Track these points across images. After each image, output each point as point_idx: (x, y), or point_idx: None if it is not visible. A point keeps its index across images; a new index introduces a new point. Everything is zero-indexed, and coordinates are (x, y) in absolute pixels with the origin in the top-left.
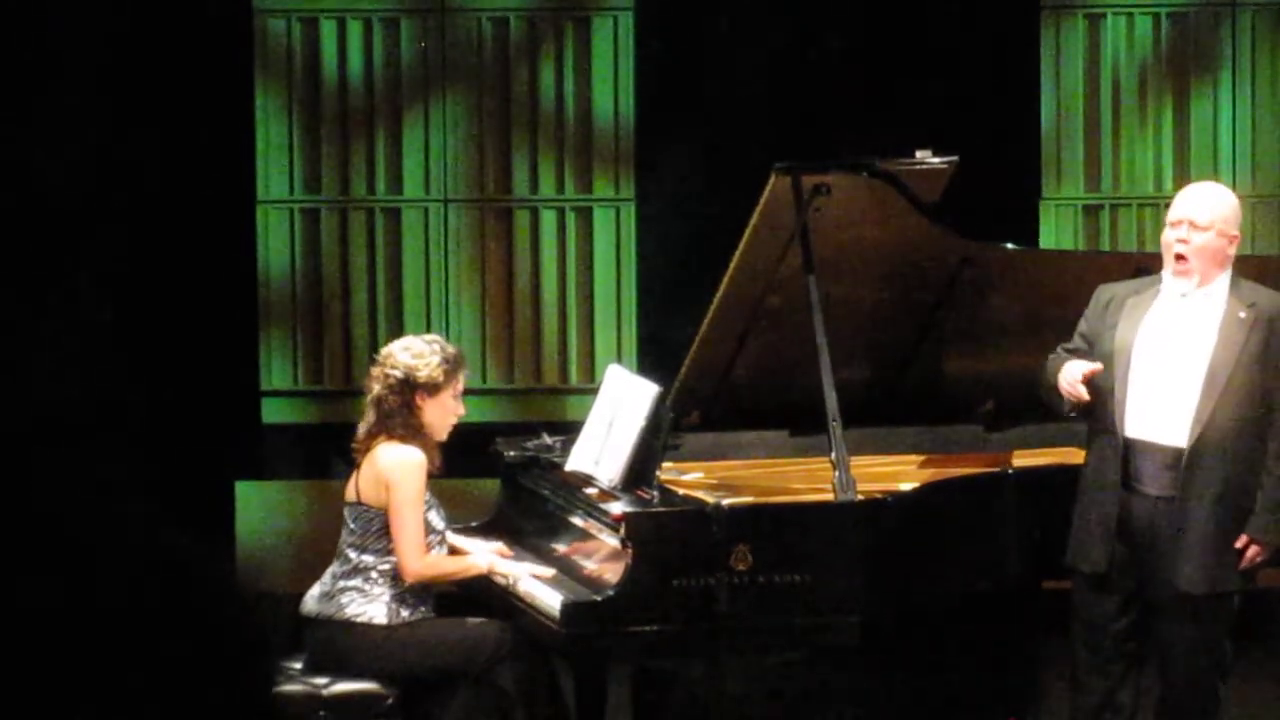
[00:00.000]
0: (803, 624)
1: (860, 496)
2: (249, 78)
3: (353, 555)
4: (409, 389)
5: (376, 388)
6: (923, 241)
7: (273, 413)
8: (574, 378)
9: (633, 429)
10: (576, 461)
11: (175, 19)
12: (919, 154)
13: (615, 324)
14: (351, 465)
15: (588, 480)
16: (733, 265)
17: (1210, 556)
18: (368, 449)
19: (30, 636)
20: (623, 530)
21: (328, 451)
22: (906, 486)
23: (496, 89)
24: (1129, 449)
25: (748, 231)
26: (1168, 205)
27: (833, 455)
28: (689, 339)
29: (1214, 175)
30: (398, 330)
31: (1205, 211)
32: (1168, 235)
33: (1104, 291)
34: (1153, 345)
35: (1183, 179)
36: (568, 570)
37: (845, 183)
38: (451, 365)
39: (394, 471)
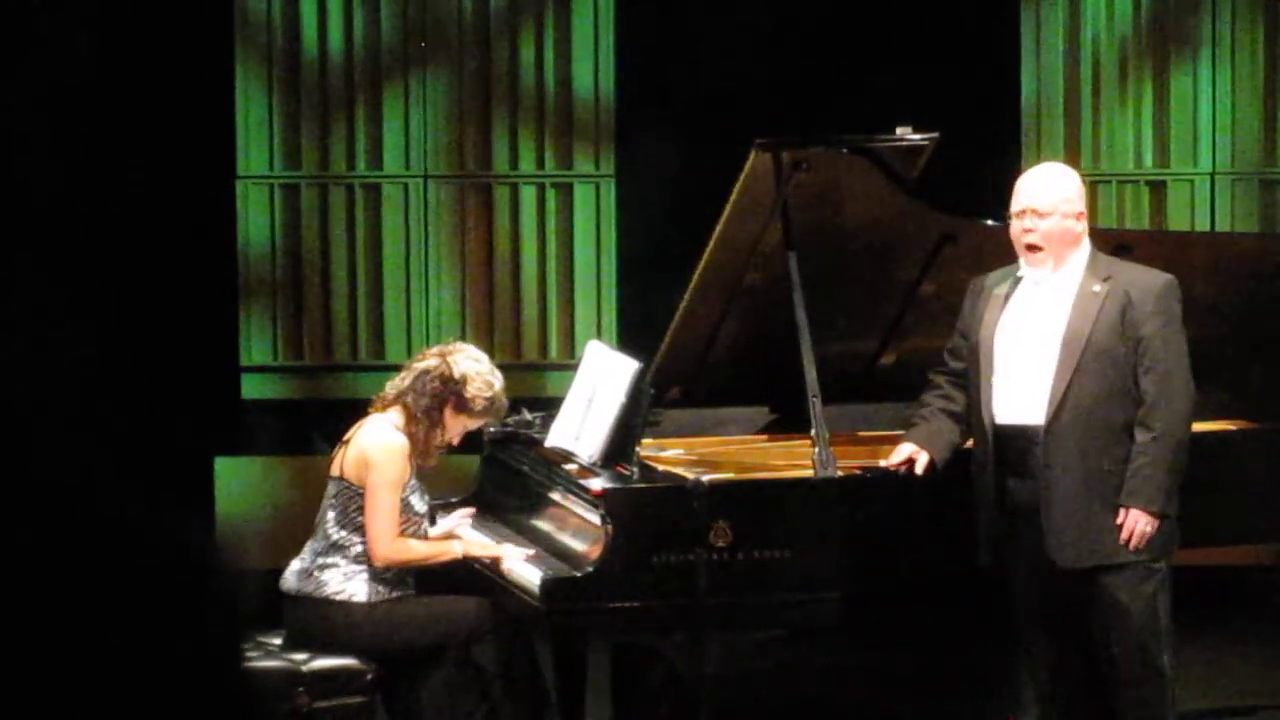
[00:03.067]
0: (783, 601)
1: (840, 473)
2: (229, 53)
3: (332, 532)
4: (447, 396)
5: (430, 363)
6: (903, 218)
7: (252, 388)
8: (554, 353)
9: (613, 405)
10: (556, 438)
11: None
12: (899, 130)
13: (595, 300)
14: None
15: (567, 456)
16: (713, 241)
17: (1082, 530)
18: (356, 426)
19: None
20: (602, 506)
21: (307, 427)
22: (891, 461)
23: (477, 64)
24: (1000, 435)
25: (728, 208)
26: (1148, 183)
27: (813, 431)
28: (669, 315)
29: (1193, 152)
30: (377, 306)
31: (1044, 197)
32: (1014, 226)
33: (975, 283)
34: (1013, 330)
35: (1163, 155)
36: (547, 546)
37: (825, 159)
38: (489, 408)
39: (375, 454)
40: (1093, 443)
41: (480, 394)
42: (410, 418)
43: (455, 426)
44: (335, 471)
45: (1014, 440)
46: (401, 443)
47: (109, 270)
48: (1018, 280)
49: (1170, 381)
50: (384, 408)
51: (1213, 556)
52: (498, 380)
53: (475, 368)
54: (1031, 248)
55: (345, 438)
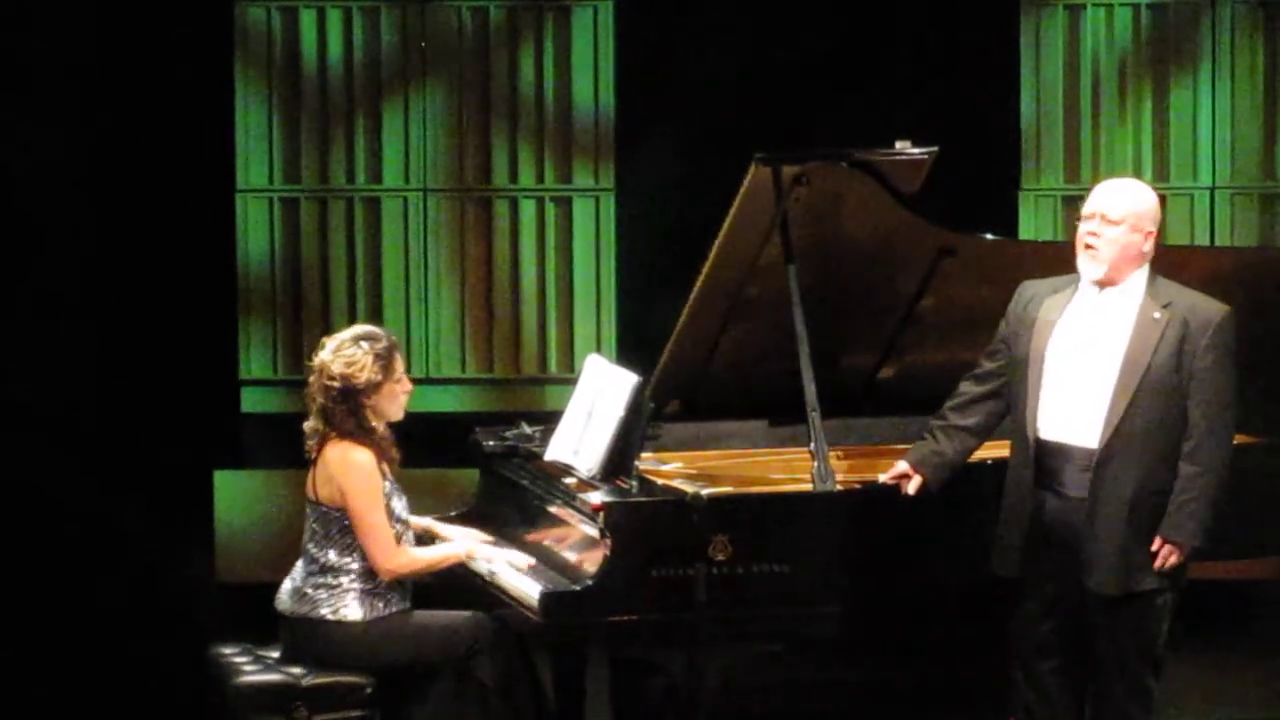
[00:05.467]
0: (782, 614)
1: (839, 487)
2: (229, 67)
3: (316, 552)
4: (351, 395)
5: (319, 399)
6: (902, 232)
7: (252, 402)
8: (553, 367)
9: (612, 419)
10: (555, 451)
11: (156, 7)
12: (899, 145)
13: (594, 314)
14: (305, 461)
15: (567, 470)
16: (712, 255)
17: (1122, 558)
18: (320, 447)
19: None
20: (601, 520)
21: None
22: (884, 477)
23: (476, 79)
24: (1043, 450)
25: (727, 222)
26: None
27: (812, 445)
28: (668, 329)
29: (1193, 167)
30: (376, 320)
31: (1118, 206)
32: (1080, 229)
33: (1026, 289)
34: (1066, 346)
35: (1162, 170)
36: (547, 560)
37: (825, 173)
38: (385, 359)
39: (344, 477)
40: (1142, 471)
41: (369, 369)
42: (354, 436)
43: (386, 399)
44: (310, 495)
45: (1054, 457)
46: (365, 457)
47: (109, 284)
48: (1074, 292)
49: (1219, 417)
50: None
51: (1215, 571)
52: (365, 342)
53: (344, 360)
54: (1088, 247)
55: (311, 456)
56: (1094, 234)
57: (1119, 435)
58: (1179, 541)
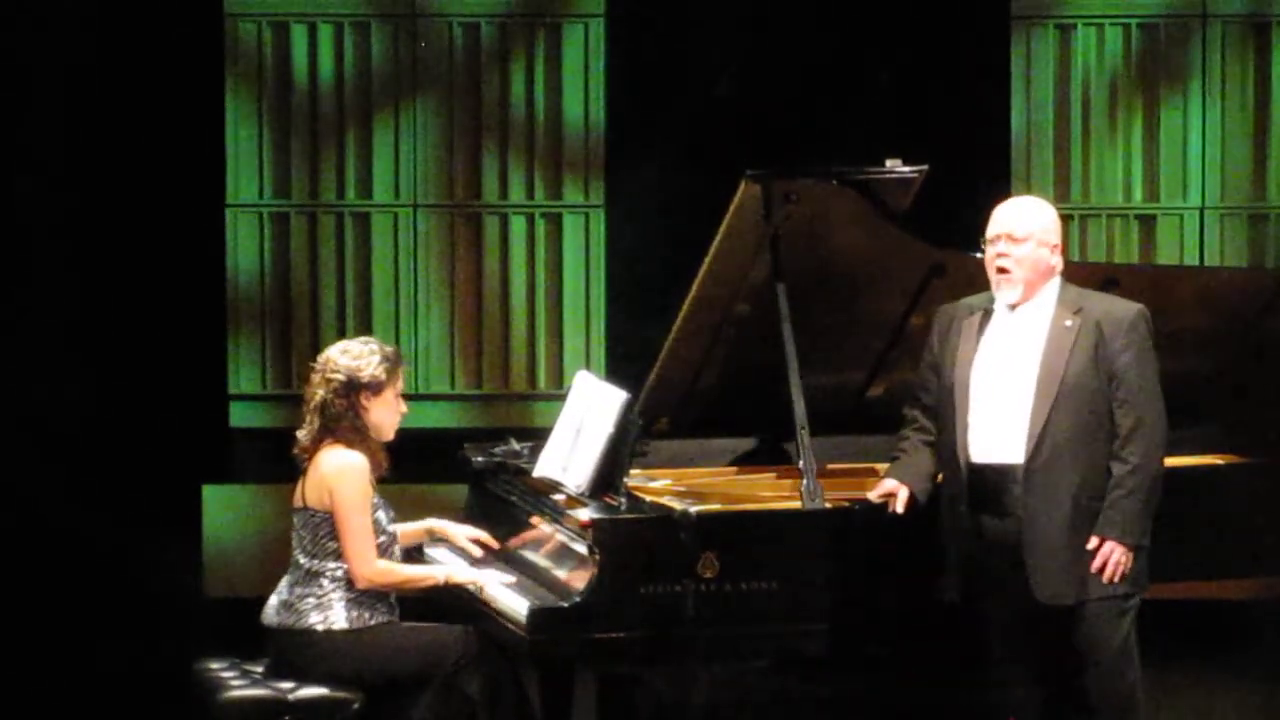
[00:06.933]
0: (770, 632)
1: (828, 504)
2: (220, 81)
3: (304, 561)
4: (353, 391)
5: (320, 393)
6: (893, 250)
7: (240, 416)
8: (542, 384)
9: (601, 435)
10: (544, 468)
11: (146, 22)
12: (889, 163)
13: (584, 330)
14: (297, 472)
15: (555, 486)
16: (702, 272)
17: (1065, 567)
18: (313, 454)
19: None
20: (590, 537)
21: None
22: (873, 495)
23: (467, 95)
24: (975, 474)
25: (717, 239)
26: (1138, 217)
27: (800, 463)
28: (657, 346)
29: (1183, 186)
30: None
31: (1021, 224)
32: (988, 253)
33: (943, 314)
34: (986, 368)
35: (1152, 190)
36: (534, 576)
37: (815, 191)
38: (391, 363)
39: (335, 478)
40: (1073, 478)
41: (375, 367)
42: (349, 439)
43: (384, 409)
44: (298, 503)
45: (989, 479)
46: (360, 460)
47: (99, 297)
48: (988, 313)
49: (1145, 413)
50: (331, 444)
51: (1204, 591)
52: (373, 344)
53: (351, 355)
54: (1002, 270)
55: (302, 464)
56: (1003, 254)
57: (1045, 445)
58: (1116, 538)
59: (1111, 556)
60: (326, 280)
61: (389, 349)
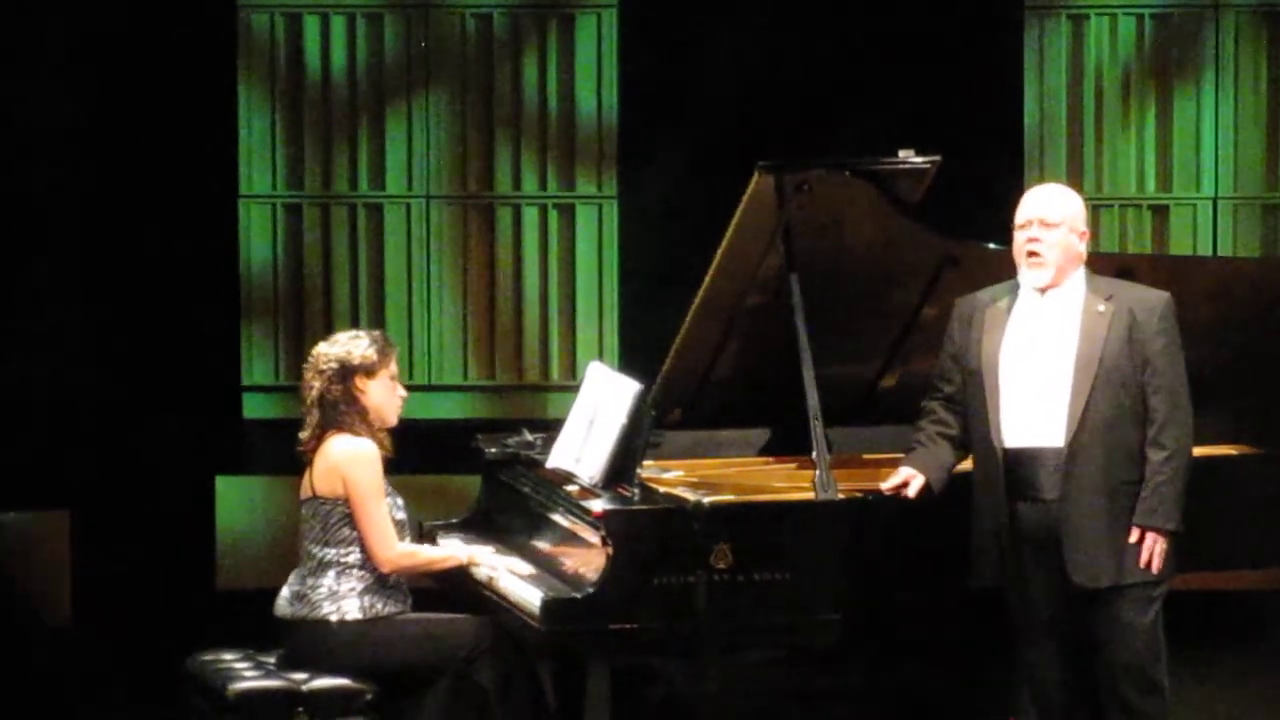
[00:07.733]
0: (783, 623)
1: (841, 495)
2: (232, 73)
3: (316, 551)
4: (348, 375)
5: (316, 385)
6: (905, 240)
7: (254, 407)
8: (555, 375)
9: (614, 427)
10: (557, 459)
11: (160, 13)
12: (902, 153)
13: (597, 321)
14: (302, 465)
15: (568, 477)
16: (715, 263)
17: (1101, 551)
18: (318, 445)
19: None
20: (603, 528)
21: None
22: (886, 486)
23: (480, 85)
24: (1010, 459)
25: (730, 229)
26: (1151, 207)
27: (814, 453)
28: (670, 337)
29: (1196, 177)
30: (379, 326)
31: (1055, 210)
32: (1018, 238)
33: (963, 305)
34: (1018, 353)
35: (1165, 180)
36: (548, 567)
37: (828, 181)
38: (381, 345)
39: (349, 466)
40: (1111, 462)
41: (365, 349)
42: (353, 426)
43: (382, 391)
44: (306, 494)
45: (1025, 464)
46: (370, 446)
47: (113, 288)
48: (1014, 299)
49: (1178, 399)
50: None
51: (1217, 581)
52: (360, 332)
53: (339, 344)
54: (1032, 254)
55: (307, 456)
56: (1035, 239)
57: (1084, 430)
58: (1157, 526)
59: (1156, 545)
60: (339, 272)
61: (376, 333)
